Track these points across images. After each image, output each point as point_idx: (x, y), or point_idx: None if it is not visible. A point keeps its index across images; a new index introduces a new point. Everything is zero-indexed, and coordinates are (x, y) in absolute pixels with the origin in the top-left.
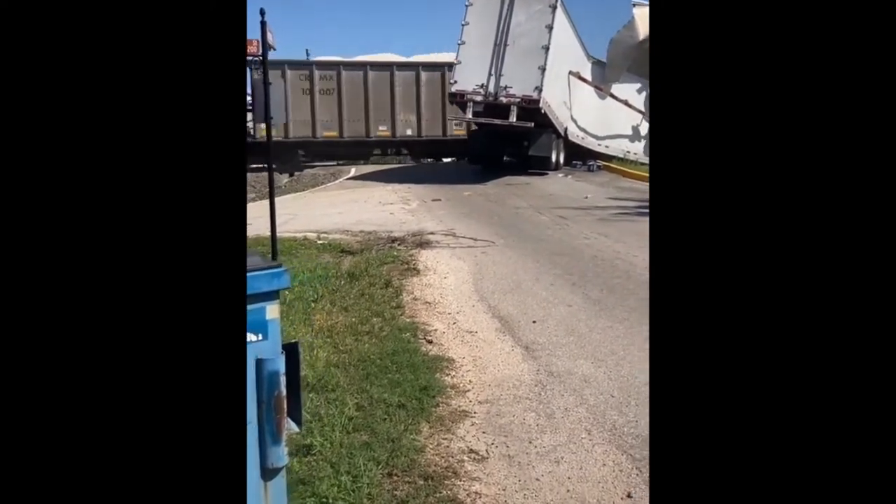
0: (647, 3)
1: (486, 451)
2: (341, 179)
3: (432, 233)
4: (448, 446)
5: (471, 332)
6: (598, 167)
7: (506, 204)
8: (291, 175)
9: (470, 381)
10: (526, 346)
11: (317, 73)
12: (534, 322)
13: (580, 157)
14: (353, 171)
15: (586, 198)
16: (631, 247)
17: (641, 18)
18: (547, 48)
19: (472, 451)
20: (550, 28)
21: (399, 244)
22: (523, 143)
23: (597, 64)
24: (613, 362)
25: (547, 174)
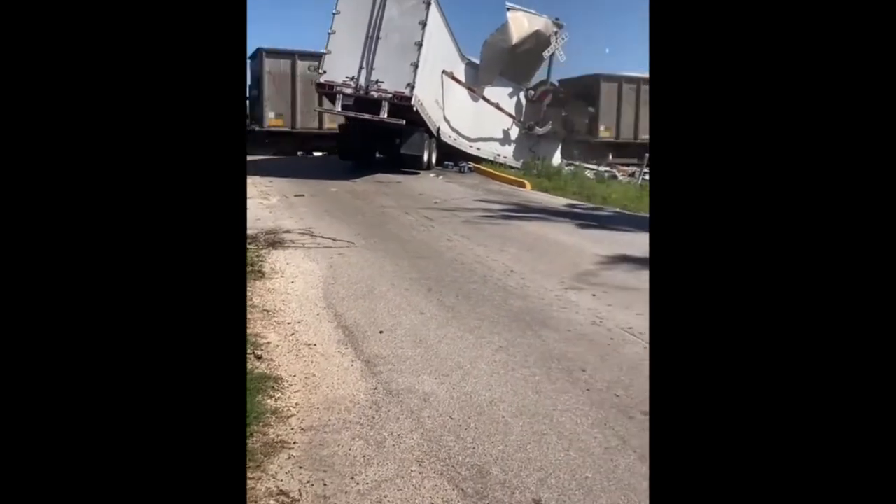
0: (520, 7)
1: (299, 491)
2: None
3: (288, 231)
4: (254, 488)
5: (309, 344)
6: (470, 169)
7: (373, 202)
8: None
9: (296, 403)
10: (367, 361)
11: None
12: (381, 332)
13: (452, 157)
14: None
15: (436, 202)
16: (491, 250)
17: (515, 22)
18: (420, 45)
19: (281, 492)
20: (424, 24)
21: (249, 243)
22: (395, 141)
23: (470, 65)
24: (458, 377)
25: (419, 173)
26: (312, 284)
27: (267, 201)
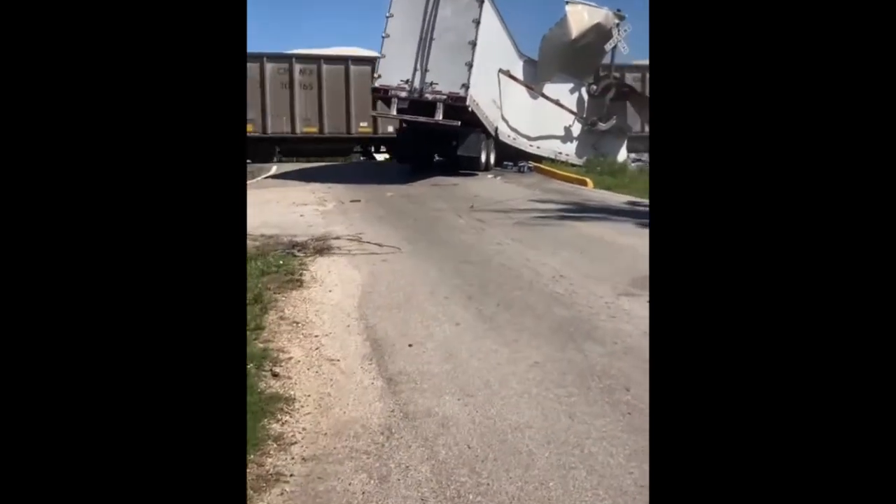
0: (579, 0)
1: None
2: (259, 178)
3: (337, 237)
4: None
5: (332, 360)
6: (529, 168)
7: (426, 206)
8: None
9: (303, 428)
10: (390, 378)
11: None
12: (410, 346)
13: (511, 157)
14: (273, 168)
15: (490, 204)
16: (543, 253)
17: (574, 16)
18: (474, 44)
19: None
20: (478, 23)
21: (299, 250)
22: (452, 143)
23: (528, 62)
24: (484, 398)
25: (476, 175)
26: (350, 293)
27: (323, 207)
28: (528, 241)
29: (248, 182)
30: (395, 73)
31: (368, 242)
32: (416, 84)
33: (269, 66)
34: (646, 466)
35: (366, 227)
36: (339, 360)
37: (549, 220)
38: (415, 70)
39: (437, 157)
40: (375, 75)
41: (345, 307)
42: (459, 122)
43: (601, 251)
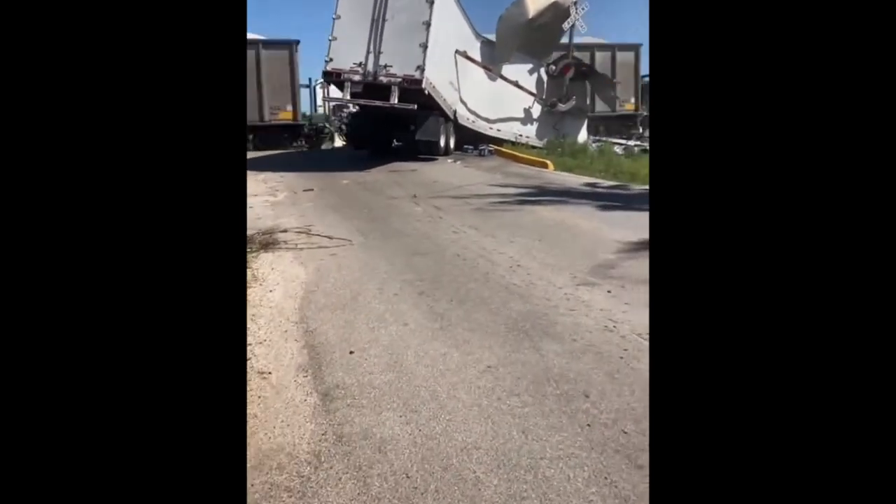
0: None
1: None
2: None
3: (285, 230)
4: None
5: (263, 373)
6: (490, 152)
7: (383, 193)
8: None
9: None
10: (325, 393)
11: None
12: (351, 353)
13: (472, 141)
14: None
15: (448, 190)
16: (500, 241)
17: None
18: (428, 24)
19: None
20: (431, 3)
21: None
22: (410, 127)
23: (486, 43)
24: (429, 413)
25: (436, 160)
26: (292, 293)
27: (274, 198)
28: (485, 228)
29: None
30: (347, 55)
31: (318, 235)
32: (370, 67)
33: None
34: (606, 490)
35: (317, 218)
36: (270, 374)
37: (508, 204)
38: (368, 52)
39: (395, 143)
40: (327, 58)
41: (284, 310)
42: (416, 106)
43: (560, 237)
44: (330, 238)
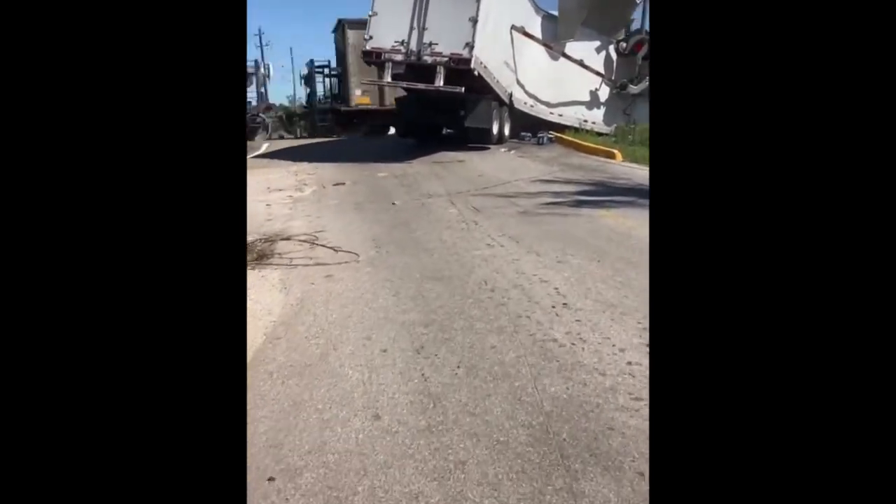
0: None
1: None
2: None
3: (288, 238)
4: None
5: None
6: (550, 139)
7: (419, 190)
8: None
9: None
10: None
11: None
12: (270, 480)
13: (530, 127)
14: (264, 146)
15: (492, 186)
16: (544, 262)
17: None
18: None
19: None
20: None
21: None
22: (459, 113)
23: (547, 18)
24: None
25: (488, 149)
26: (252, 339)
27: (299, 193)
28: (528, 240)
29: None
30: (388, 33)
31: (323, 245)
32: (413, 45)
33: None
34: None
35: (334, 219)
36: None
37: (562, 206)
38: (411, 29)
39: (445, 130)
40: (366, 36)
41: None
42: (463, 89)
43: (626, 257)
44: (335, 251)
